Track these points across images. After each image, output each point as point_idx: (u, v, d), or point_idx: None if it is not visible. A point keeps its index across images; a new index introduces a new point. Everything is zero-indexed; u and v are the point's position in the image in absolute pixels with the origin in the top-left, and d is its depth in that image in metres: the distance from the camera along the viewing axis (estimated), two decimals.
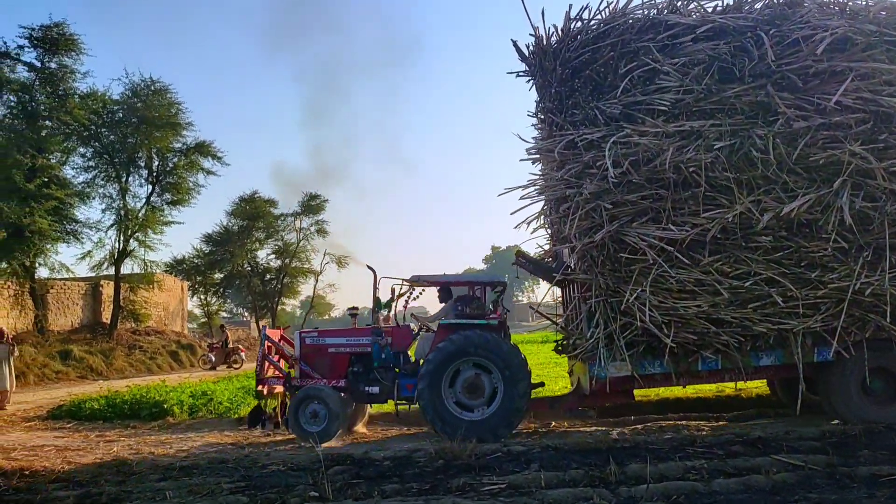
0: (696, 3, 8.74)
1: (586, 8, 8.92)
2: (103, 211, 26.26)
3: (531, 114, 9.85)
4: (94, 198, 26.23)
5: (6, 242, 21.38)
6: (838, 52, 7.99)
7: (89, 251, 26.40)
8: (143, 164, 27.30)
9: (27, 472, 7.77)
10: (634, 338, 8.23)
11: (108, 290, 28.74)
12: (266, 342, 10.24)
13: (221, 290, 44.70)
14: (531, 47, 9.21)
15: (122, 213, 26.32)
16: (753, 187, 7.96)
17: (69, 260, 51.79)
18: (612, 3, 8.85)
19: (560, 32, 8.97)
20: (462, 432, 8.41)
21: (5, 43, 23.22)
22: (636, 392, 9.34)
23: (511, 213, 9.04)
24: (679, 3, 8.74)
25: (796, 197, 7.80)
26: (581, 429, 9.83)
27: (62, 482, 7.41)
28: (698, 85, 8.11)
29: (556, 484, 6.29)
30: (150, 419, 12.00)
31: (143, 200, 27.37)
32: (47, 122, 24.04)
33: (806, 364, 8.12)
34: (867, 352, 7.98)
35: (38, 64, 23.23)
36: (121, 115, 26.49)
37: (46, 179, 22.91)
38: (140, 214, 26.86)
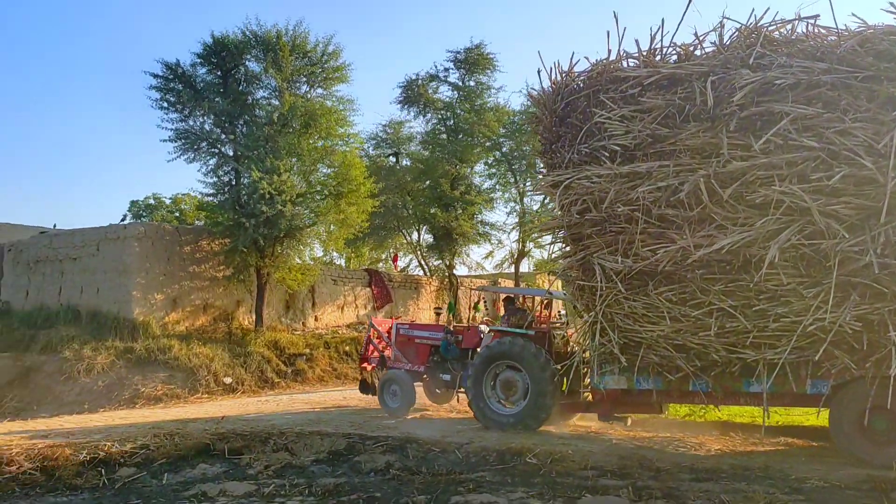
0: (677, 49, 8.96)
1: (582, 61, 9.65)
2: (507, 214, 28.44)
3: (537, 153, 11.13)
4: (497, 202, 28.64)
5: (437, 244, 24.33)
6: (789, 91, 7.88)
7: (491, 251, 28.91)
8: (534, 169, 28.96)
9: (559, 458, 8.33)
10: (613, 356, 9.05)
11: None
12: (371, 329, 12.96)
13: None
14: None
15: (521, 215, 28.25)
16: (706, 223, 8.28)
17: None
18: (602, 56, 9.42)
19: (551, 84, 9.82)
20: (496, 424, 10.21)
21: (435, 66, 26.57)
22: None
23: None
24: (657, 56, 9.05)
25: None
26: None
27: (596, 469, 7.80)
28: (647, 130, 8.59)
29: None
30: None
31: (539, 203, 29.04)
32: (460, 136, 26.83)
33: (803, 395, 8.32)
34: (865, 389, 7.77)
35: (460, 83, 26.08)
36: (517, 124, 28.44)
37: (464, 187, 25.58)
38: (535, 218, 28.51)
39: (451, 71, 26.21)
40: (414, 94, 26.51)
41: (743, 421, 11.15)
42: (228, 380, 16.08)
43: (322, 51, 19.04)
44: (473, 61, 25.30)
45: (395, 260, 29.26)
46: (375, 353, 12.74)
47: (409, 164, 28.16)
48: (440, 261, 26.88)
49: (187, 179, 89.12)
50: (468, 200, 24.89)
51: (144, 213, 37.73)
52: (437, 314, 14.28)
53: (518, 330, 10.75)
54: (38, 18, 71.38)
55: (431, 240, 26.94)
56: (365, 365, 12.84)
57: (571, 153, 9.32)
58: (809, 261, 7.83)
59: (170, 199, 39.37)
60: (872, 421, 7.86)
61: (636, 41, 9.13)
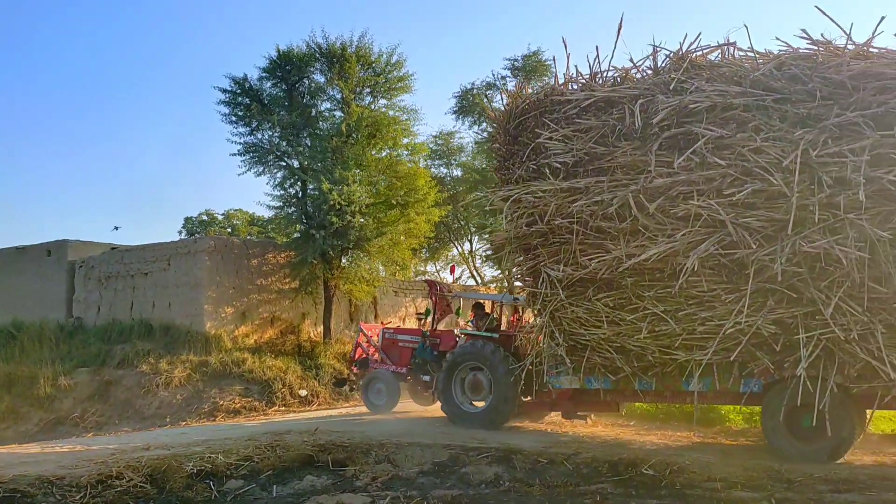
0: (618, 72, 9.59)
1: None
2: None
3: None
4: None
5: (495, 254, 24.04)
6: (706, 113, 8.41)
7: None
8: None
9: (677, 469, 7.96)
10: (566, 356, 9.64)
11: None
12: (360, 334, 14.25)
13: None
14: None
15: None
16: (638, 234, 8.80)
17: None
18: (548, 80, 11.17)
19: (505, 105, 10.58)
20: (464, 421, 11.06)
21: (492, 74, 26.49)
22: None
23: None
24: (598, 80, 9.62)
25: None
26: None
27: (722, 481, 7.42)
28: (584, 149, 9.14)
29: None
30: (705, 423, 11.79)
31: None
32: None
33: (738, 393, 8.90)
34: (790, 387, 8.02)
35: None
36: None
37: None
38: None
39: (507, 79, 26.02)
40: (469, 104, 26.34)
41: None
42: (304, 392, 15.98)
43: (386, 61, 18.99)
44: (532, 68, 25.04)
45: (451, 271, 29.04)
46: (364, 356, 13.84)
47: (459, 174, 28.05)
48: (498, 271, 26.55)
49: (239, 196, 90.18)
50: None
51: (198, 229, 38.29)
52: (419, 319, 15.04)
53: (485, 333, 11.51)
54: (108, 36, 73.37)
55: (490, 250, 26.63)
56: (354, 368, 14.16)
57: (521, 170, 9.89)
58: (730, 269, 8.36)
59: (222, 214, 39.95)
60: (803, 419, 8.38)
61: (575, 66, 9.93)
